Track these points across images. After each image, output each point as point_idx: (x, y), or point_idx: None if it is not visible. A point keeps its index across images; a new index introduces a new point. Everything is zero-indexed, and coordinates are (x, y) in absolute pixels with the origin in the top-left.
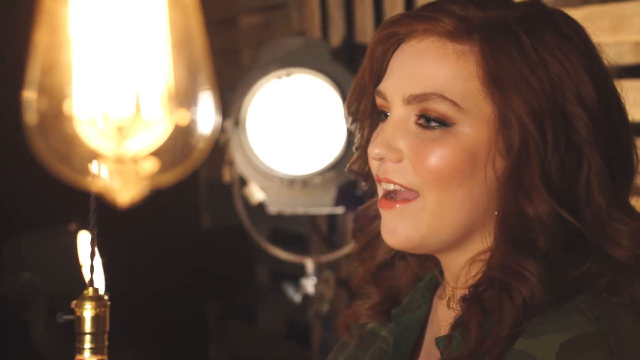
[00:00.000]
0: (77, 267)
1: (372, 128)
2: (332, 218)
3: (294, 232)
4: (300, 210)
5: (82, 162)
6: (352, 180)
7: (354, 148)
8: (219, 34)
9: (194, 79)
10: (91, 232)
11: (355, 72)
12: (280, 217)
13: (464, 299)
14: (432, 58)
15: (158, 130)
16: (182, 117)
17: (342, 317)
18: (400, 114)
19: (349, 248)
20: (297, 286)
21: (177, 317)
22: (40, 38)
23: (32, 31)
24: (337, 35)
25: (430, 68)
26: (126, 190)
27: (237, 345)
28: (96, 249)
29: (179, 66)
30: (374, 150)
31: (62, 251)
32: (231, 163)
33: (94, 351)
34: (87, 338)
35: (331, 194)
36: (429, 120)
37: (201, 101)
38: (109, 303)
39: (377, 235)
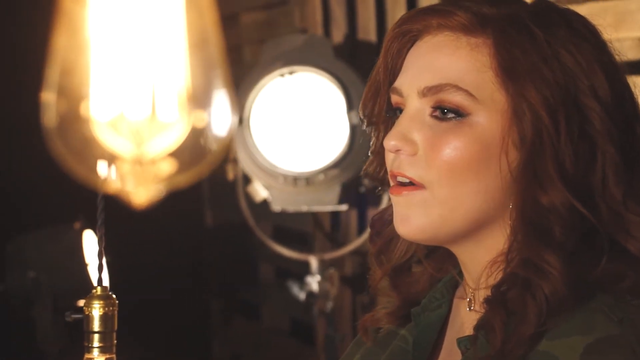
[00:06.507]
0: (82, 266)
1: (387, 130)
2: (335, 215)
3: (297, 229)
4: (303, 207)
5: (98, 163)
6: (356, 178)
7: (369, 152)
8: (221, 31)
9: (211, 80)
10: (99, 231)
11: (357, 69)
12: (283, 214)
13: (487, 300)
14: (447, 51)
15: (175, 131)
16: (199, 118)
17: (362, 321)
18: (415, 106)
19: (352, 246)
20: (302, 284)
21: (180, 314)
22: (59, 40)
23: (51, 33)
24: (339, 33)
25: (444, 61)
26: (142, 192)
27: (241, 343)
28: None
29: (196, 67)
30: (390, 142)
31: (67, 249)
32: (235, 161)
33: (103, 350)
34: (96, 337)
35: (335, 191)
36: (444, 112)
37: (217, 102)
38: (117, 302)
39: (393, 238)
